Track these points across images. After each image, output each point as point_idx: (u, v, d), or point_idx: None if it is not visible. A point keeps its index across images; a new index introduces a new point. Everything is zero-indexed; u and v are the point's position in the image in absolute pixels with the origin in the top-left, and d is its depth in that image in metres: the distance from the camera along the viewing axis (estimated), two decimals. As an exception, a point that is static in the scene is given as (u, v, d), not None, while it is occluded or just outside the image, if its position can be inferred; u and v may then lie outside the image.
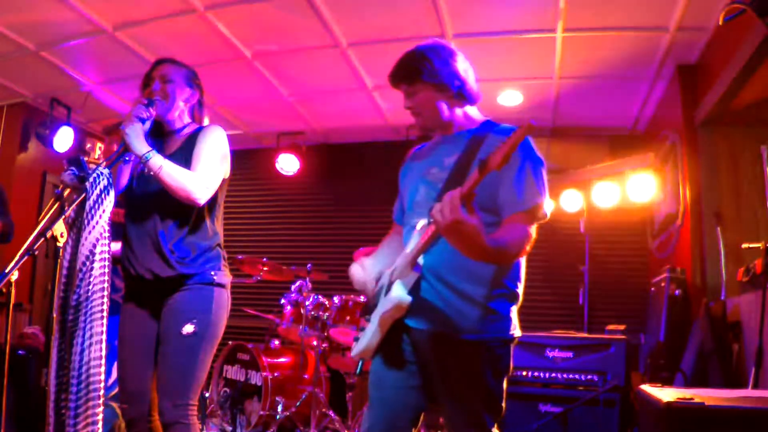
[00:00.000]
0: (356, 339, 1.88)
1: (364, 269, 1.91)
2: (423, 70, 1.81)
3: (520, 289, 1.79)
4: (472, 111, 1.92)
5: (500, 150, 1.40)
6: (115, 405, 2.69)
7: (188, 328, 2.04)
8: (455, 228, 1.43)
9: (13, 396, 3.48)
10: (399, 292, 1.69)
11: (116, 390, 2.70)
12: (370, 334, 1.79)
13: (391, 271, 1.81)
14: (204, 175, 2.10)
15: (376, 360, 1.83)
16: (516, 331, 1.77)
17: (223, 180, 2.24)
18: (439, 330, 1.71)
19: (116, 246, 2.12)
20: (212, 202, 2.20)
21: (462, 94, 1.86)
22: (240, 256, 4.53)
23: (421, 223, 1.74)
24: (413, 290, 1.70)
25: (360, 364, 2.00)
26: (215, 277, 2.14)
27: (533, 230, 1.66)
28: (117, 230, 2.10)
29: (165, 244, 2.09)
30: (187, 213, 2.14)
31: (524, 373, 3.88)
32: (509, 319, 1.76)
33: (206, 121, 2.37)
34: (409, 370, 1.78)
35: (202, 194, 2.08)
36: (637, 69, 4.42)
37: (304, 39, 4.20)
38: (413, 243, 1.73)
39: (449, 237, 1.48)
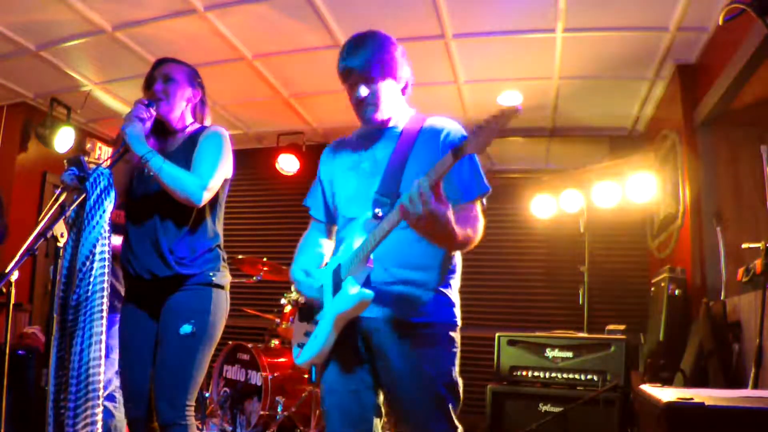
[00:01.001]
0: (300, 345, 1.79)
1: (311, 275, 1.80)
2: (389, 59, 1.75)
3: (459, 267, 1.82)
4: (405, 105, 1.89)
5: (480, 136, 1.32)
6: (109, 405, 2.68)
7: (186, 329, 2.04)
8: (428, 218, 1.41)
9: (12, 396, 3.48)
10: (356, 289, 1.62)
11: (109, 389, 2.70)
12: (323, 338, 1.70)
13: (335, 269, 1.73)
14: (204, 177, 2.10)
15: (328, 365, 1.76)
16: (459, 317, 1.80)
17: (225, 180, 2.23)
18: (394, 316, 1.69)
19: (116, 240, 2.12)
20: (213, 202, 2.20)
21: (406, 89, 1.85)
22: (240, 256, 4.53)
23: (366, 217, 1.70)
24: (365, 284, 1.65)
25: (313, 371, 1.86)
26: (214, 279, 2.14)
27: (481, 214, 1.74)
28: (117, 228, 2.10)
29: (164, 244, 2.09)
30: (186, 213, 2.13)
31: (524, 373, 3.88)
32: (455, 304, 1.78)
33: (208, 121, 2.36)
34: (365, 370, 1.74)
35: (201, 196, 2.08)
36: (637, 69, 4.42)
37: (304, 39, 4.20)
38: (358, 237, 1.67)
39: (420, 227, 1.46)
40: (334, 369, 1.75)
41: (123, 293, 2.28)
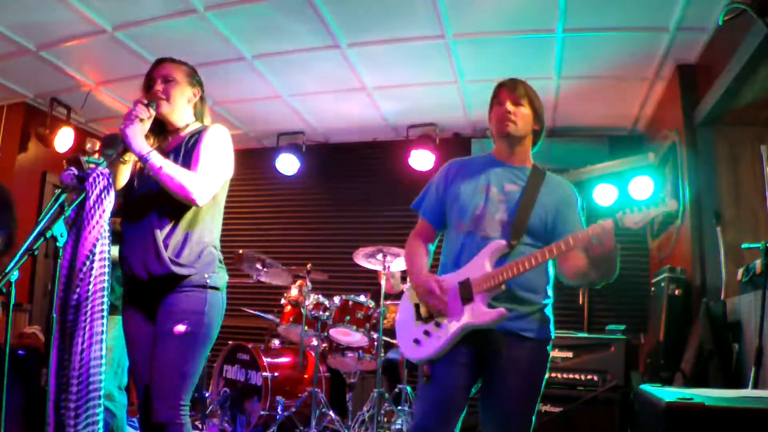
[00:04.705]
0: (416, 341, 2.04)
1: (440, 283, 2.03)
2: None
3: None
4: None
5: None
6: (109, 404, 2.68)
7: (180, 329, 2.03)
8: (611, 251, 1.87)
9: (12, 396, 3.48)
10: (495, 306, 1.92)
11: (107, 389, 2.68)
12: (447, 340, 1.96)
13: (463, 282, 1.97)
14: (204, 176, 2.09)
15: (438, 361, 1.99)
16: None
17: (225, 180, 2.23)
18: (512, 331, 1.96)
19: (114, 251, 2.12)
20: (212, 201, 2.19)
21: (539, 135, 2.17)
22: (240, 251, 4.52)
23: (498, 242, 1.98)
24: (496, 301, 1.95)
25: (429, 367, 2.05)
26: (208, 280, 2.13)
27: None
28: (115, 237, 2.10)
29: (160, 243, 2.07)
30: (184, 212, 2.13)
31: (524, 373, 3.87)
32: (552, 322, 2.10)
33: (208, 119, 2.36)
34: (468, 373, 1.98)
35: (202, 195, 2.07)
36: (637, 69, 4.42)
37: (304, 39, 4.20)
38: (489, 259, 1.96)
39: (603, 257, 1.89)
40: (444, 365, 1.99)
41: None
